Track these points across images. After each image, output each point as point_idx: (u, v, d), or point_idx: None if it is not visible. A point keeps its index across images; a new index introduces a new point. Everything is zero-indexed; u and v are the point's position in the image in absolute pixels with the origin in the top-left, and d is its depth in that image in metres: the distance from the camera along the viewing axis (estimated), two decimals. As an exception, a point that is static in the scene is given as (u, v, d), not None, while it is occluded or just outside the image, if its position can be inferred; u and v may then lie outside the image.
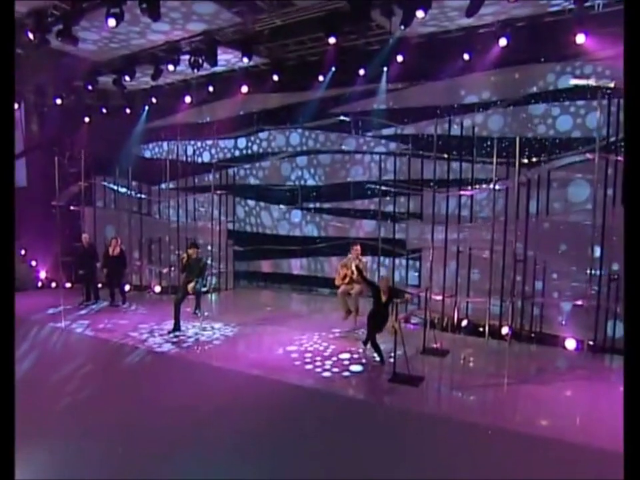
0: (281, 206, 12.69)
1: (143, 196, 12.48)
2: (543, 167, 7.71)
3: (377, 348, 6.59)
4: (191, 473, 4.06)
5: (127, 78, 11.07)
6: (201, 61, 10.31)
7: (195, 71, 10.38)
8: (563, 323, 8.09)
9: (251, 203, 13.06)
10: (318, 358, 6.76)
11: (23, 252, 13.54)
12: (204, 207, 12.30)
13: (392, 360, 6.09)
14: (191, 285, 7.64)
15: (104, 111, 13.85)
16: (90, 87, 11.78)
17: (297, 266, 12.47)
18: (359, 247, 8.03)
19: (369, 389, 6.07)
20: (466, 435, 4.70)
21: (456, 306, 8.70)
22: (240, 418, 5.05)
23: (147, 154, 14.38)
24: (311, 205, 12.32)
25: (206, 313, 8.41)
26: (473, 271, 8.84)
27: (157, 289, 11.66)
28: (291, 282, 12.38)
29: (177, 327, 7.87)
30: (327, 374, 6.25)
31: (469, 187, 8.38)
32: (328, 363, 6.62)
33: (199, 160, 13.42)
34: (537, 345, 7.80)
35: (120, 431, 4.77)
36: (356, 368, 6.48)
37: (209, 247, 10.02)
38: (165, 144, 13.80)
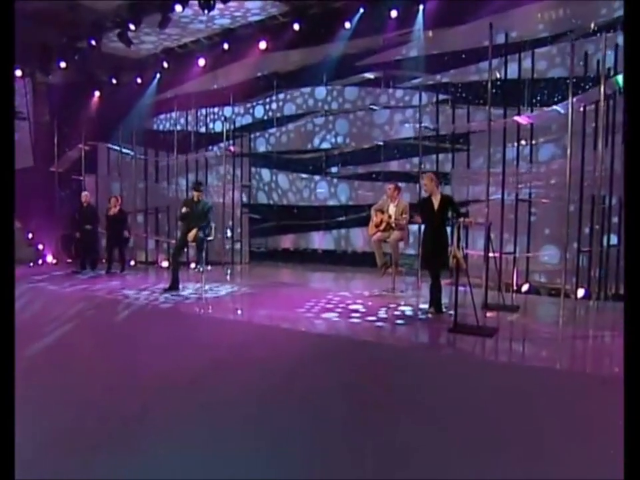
0: (303, 175, 11.34)
1: (145, 157, 11.26)
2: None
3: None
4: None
5: (132, 27, 9.94)
6: (212, 1, 9.16)
7: (206, 11, 9.19)
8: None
9: (271, 171, 11.74)
10: (357, 314, 5.27)
11: (30, 235, 12.57)
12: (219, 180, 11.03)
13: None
14: (192, 233, 6.26)
15: (114, 81, 12.96)
16: (94, 42, 10.71)
17: (321, 240, 11.05)
18: (393, 186, 6.48)
19: (427, 339, 4.56)
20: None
21: (515, 266, 7.10)
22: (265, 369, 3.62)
23: (158, 125, 13.28)
24: (341, 172, 10.93)
25: (209, 267, 7.00)
26: (536, 223, 7.24)
27: (165, 263, 10.36)
28: (315, 257, 10.95)
29: (174, 285, 6.47)
30: (369, 324, 4.82)
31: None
32: (370, 317, 5.17)
33: (214, 129, 12.21)
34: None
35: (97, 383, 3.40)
36: (402, 320, 4.98)
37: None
38: (176, 114, 12.65)
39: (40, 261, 11.70)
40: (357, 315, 5.17)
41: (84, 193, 9.13)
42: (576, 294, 6.38)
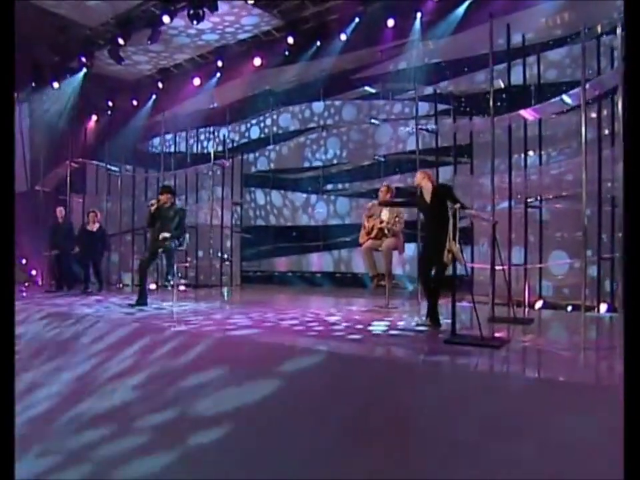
0: (300, 193, 10.80)
1: (133, 174, 10.82)
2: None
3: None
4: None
5: (121, 41, 9.71)
6: (201, 12, 8.92)
7: (195, 22, 8.93)
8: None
9: (265, 191, 11.23)
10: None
11: (24, 261, 12.10)
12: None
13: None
14: (162, 235, 5.56)
15: (110, 104, 12.80)
16: (84, 59, 10.54)
17: (319, 262, 10.38)
18: (385, 188, 5.63)
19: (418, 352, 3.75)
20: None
21: (526, 281, 6.29)
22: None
23: (153, 147, 12.97)
24: (338, 187, 10.37)
25: (182, 281, 6.30)
26: (548, 230, 6.49)
27: (152, 286, 9.67)
28: (312, 279, 10.27)
29: (142, 301, 5.74)
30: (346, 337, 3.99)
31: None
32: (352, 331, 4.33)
33: (207, 148, 11.82)
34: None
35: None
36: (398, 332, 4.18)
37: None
38: (172, 134, 12.31)
39: (27, 284, 11.17)
40: (337, 328, 4.39)
41: (58, 209, 8.57)
42: (598, 307, 5.57)
